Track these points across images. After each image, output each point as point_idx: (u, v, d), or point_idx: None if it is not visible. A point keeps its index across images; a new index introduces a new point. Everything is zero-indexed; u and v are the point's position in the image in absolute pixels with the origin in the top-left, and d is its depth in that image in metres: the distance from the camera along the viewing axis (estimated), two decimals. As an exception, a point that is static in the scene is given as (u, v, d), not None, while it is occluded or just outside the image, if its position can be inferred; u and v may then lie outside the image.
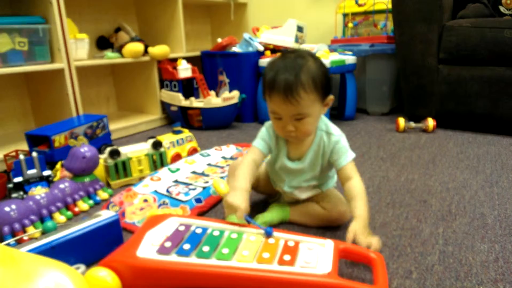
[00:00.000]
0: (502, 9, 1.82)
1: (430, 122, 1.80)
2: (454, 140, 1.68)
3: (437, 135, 1.76)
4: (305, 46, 2.04)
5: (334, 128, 0.89)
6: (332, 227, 0.93)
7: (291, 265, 0.66)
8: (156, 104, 2.06)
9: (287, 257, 0.67)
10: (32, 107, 1.80)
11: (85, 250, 0.77)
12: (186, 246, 0.70)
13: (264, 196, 1.10)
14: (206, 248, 0.69)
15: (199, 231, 0.75)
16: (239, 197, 0.78)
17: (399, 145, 1.62)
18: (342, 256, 0.71)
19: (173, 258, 0.68)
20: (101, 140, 1.51)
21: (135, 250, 0.69)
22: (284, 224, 0.95)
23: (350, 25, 2.58)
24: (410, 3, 1.79)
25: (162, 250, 0.69)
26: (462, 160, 1.42)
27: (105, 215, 0.83)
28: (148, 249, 0.70)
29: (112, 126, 1.78)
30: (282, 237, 0.74)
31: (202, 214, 1.02)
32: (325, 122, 0.90)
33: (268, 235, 0.74)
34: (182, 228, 0.76)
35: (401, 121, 1.82)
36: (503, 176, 1.25)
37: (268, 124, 0.91)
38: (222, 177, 1.16)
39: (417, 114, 1.90)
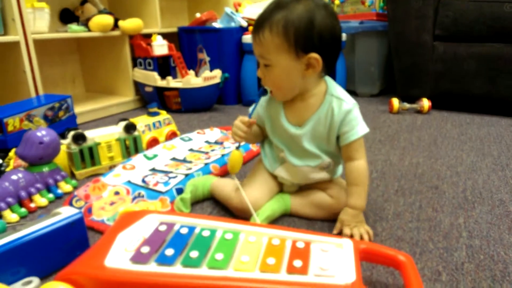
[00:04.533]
0: (499, -18, 1.72)
1: (425, 103, 1.70)
2: (451, 121, 1.58)
3: (433, 116, 1.66)
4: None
5: (345, 95, 0.75)
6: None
7: (304, 273, 0.52)
8: (129, 85, 1.86)
9: (297, 263, 0.53)
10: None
11: (40, 259, 0.61)
12: (169, 252, 0.55)
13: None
14: (194, 254, 0.54)
15: (184, 231, 0.60)
16: None
17: (396, 127, 1.51)
18: (363, 258, 0.58)
19: (152, 267, 0.52)
20: (64, 123, 1.32)
21: (103, 258, 0.54)
22: (284, 218, 0.82)
23: (337, 2, 2.45)
24: (405, -25, 1.67)
25: (138, 257, 0.54)
26: (464, 142, 1.32)
27: (65, 213, 0.67)
28: (120, 256, 0.55)
29: (79, 109, 1.59)
30: (288, 236, 0.60)
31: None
32: (334, 86, 0.76)
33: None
34: (163, 227, 0.61)
35: (395, 101, 1.71)
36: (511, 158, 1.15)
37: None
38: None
39: (411, 95, 1.80)
